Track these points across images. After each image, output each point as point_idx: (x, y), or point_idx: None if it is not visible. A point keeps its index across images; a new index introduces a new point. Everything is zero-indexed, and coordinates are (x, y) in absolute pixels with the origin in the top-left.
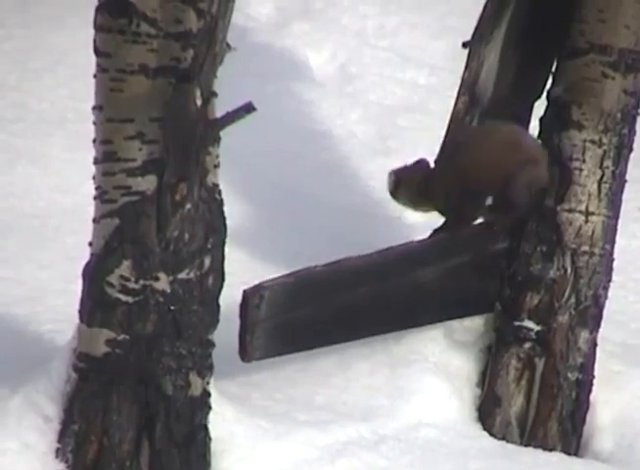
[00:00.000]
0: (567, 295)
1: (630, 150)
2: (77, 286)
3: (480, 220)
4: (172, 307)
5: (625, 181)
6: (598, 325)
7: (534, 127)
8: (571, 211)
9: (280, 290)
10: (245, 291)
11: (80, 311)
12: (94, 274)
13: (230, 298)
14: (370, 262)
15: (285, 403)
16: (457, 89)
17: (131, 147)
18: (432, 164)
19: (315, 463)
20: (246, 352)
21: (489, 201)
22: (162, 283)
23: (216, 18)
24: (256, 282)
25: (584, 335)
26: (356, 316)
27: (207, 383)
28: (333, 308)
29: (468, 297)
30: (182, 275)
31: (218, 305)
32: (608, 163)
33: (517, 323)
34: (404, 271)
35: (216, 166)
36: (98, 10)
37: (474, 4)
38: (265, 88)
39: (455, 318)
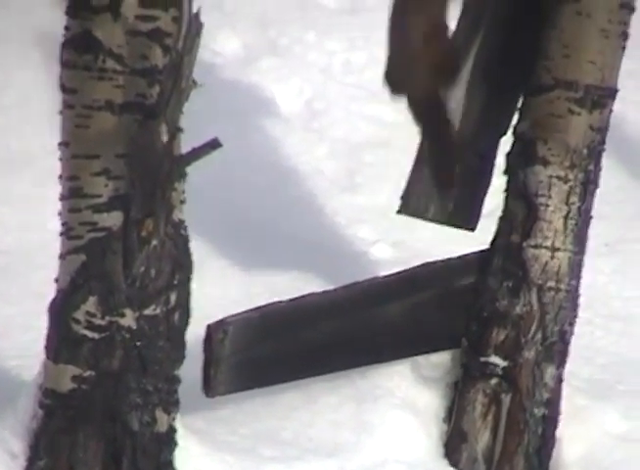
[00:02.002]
0: (533, 330)
1: (596, 186)
2: (44, 322)
3: None
4: (138, 343)
5: (591, 217)
6: (564, 361)
7: (500, 164)
8: (537, 246)
9: (244, 325)
10: (209, 326)
11: (47, 347)
12: (60, 310)
13: (195, 333)
14: (335, 298)
15: (251, 439)
16: None
17: (97, 183)
18: None
19: None
20: (210, 388)
21: None
22: (129, 319)
23: (182, 54)
24: (221, 317)
25: (550, 371)
26: (321, 351)
27: (173, 419)
28: (297, 344)
29: (434, 332)
30: (148, 311)
31: (184, 341)
32: (574, 199)
33: (483, 359)
34: (369, 307)
35: (182, 202)
36: (64, 46)
37: None
38: (231, 124)
39: (421, 354)
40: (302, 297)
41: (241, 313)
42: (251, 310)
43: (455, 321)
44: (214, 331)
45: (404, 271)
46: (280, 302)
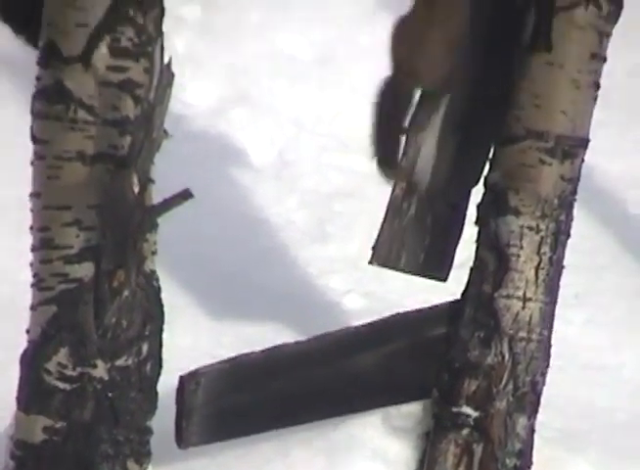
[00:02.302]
0: (504, 381)
1: (567, 236)
2: (15, 373)
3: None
4: (110, 394)
5: (562, 267)
6: (536, 411)
7: (472, 214)
8: (508, 297)
9: (216, 376)
10: (181, 377)
11: (18, 398)
12: (31, 361)
13: (167, 384)
14: (307, 348)
15: None
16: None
17: (68, 234)
18: None
19: None
20: (182, 439)
21: None
22: (100, 370)
23: (154, 104)
24: (193, 368)
25: (522, 421)
26: (293, 402)
27: None
28: (270, 394)
29: (405, 382)
30: (120, 362)
31: (156, 392)
32: (545, 249)
33: (455, 409)
34: (341, 357)
35: (153, 253)
36: (35, 96)
37: None
38: (202, 175)
39: (393, 404)
40: (274, 347)
41: (213, 364)
42: (224, 361)
43: (427, 371)
44: (187, 382)
45: (376, 322)
46: (252, 352)
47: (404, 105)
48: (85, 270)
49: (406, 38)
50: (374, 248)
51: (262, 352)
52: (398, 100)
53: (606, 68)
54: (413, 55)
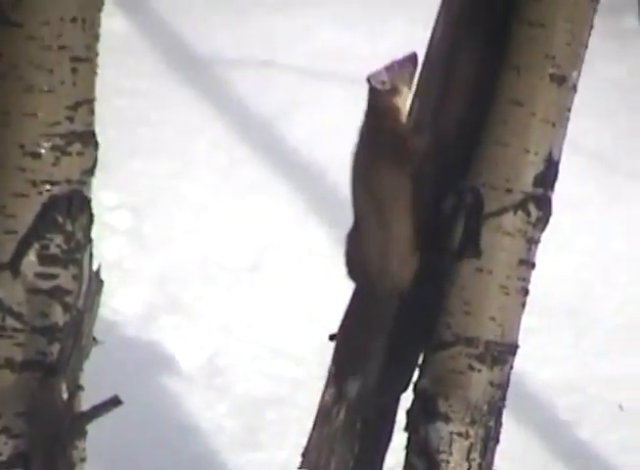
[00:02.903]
0: None
1: (497, 442)
2: None
3: None
4: None
5: None
6: None
7: (401, 420)
8: None
9: None
10: None
11: None
12: None
13: None
14: None
15: None
16: (324, 382)
17: None
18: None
19: None
20: None
21: None
22: None
23: (83, 311)
24: None
25: None
26: None
27: None
28: None
29: None
30: None
31: None
32: (474, 455)
33: None
34: None
35: (83, 460)
36: None
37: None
38: (132, 381)
39: None
40: None
41: None
42: None
43: None
44: None
45: None
46: None
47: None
48: None
49: (368, 244)
50: (304, 454)
51: None
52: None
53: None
54: (382, 257)
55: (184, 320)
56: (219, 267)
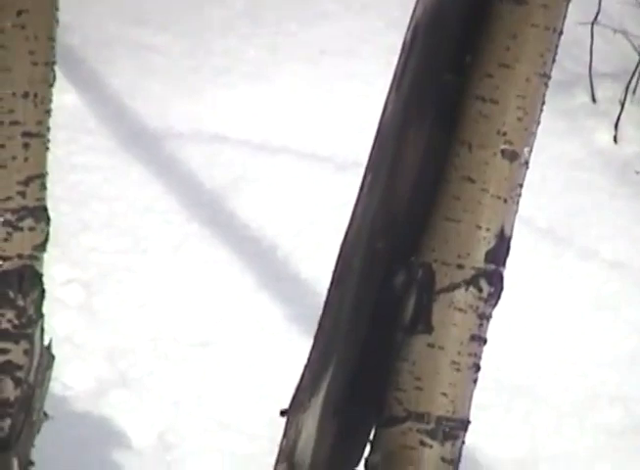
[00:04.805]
0: None
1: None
2: None
3: None
4: None
5: None
6: None
7: None
8: None
9: None
10: None
11: None
12: None
13: None
14: None
15: None
16: (275, 457)
17: None
18: None
19: None
20: None
21: None
22: None
23: (34, 386)
24: None
25: None
26: None
27: None
28: None
29: None
30: None
31: None
32: None
33: None
34: None
35: None
36: None
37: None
38: (83, 457)
39: None
40: None
41: None
42: None
43: None
44: None
45: None
46: None
47: None
48: None
49: None
50: None
51: None
52: None
53: None
54: None
55: (134, 396)
56: (170, 342)
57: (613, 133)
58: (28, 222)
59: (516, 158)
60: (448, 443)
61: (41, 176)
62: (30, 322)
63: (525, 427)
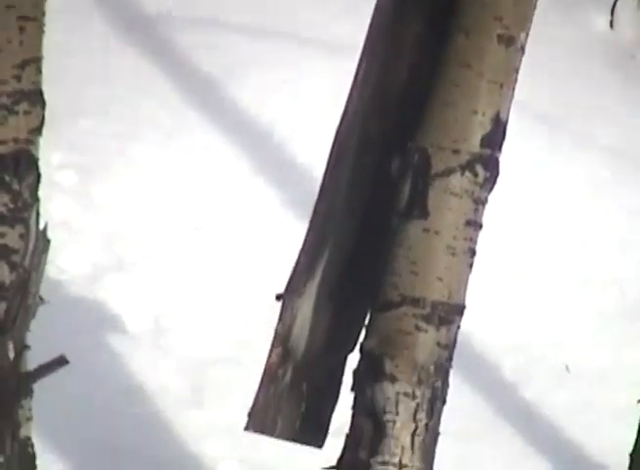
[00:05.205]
0: None
1: (443, 402)
2: None
3: None
4: None
5: (439, 434)
6: None
7: (348, 380)
8: (384, 463)
9: None
10: None
11: None
12: None
13: None
14: None
15: None
16: (271, 342)
17: None
18: None
19: None
20: None
21: None
22: None
23: (29, 271)
24: None
25: None
26: None
27: None
28: None
29: None
30: None
31: None
32: (421, 415)
33: None
34: None
35: (29, 419)
36: None
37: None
38: (78, 341)
39: None
40: None
41: None
42: None
43: None
44: None
45: None
46: None
47: None
48: None
49: None
50: (249, 414)
51: None
52: None
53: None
54: None
55: (130, 280)
56: (166, 227)
57: (609, 18)
58: (24, 106)
59: (512, 43)
60: (443, 328)
61: (37, 60)
62: (26, 206)
63: (519, 313)
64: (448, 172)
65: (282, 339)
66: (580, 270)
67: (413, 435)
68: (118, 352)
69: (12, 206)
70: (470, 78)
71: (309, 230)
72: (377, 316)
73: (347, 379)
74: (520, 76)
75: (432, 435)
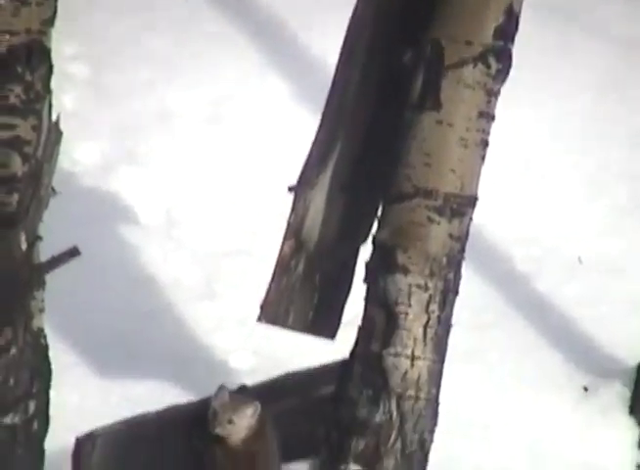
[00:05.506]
0: (392, 439)
1: (456, 294)
2: None
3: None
4: None
5: (451, 325)
6: (424, 469)
7: (361, 272)
8: (396, 355)
9: (113, 437)
10: (77, 438)
11: None
12: None
13: (54, 441)
14: (201, 408)
15: None
16: (283, 233)
17: None
18: None
19: None
20: None
21: None
22: None
23: (42, 162)
24: (80, 426)
25: None
26: (189, 463)
27: None
28: (166, 456)
29: (295, 441)
30: (7, 420)
31: (43, 450)
32: (434, 307)
33: (343, 467)
34: None
35: (41, 311)
36: None
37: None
38: (90, 232)
39: (282, 463)
40: (170, 408)
41: (109, 426)
42: (119, 423)
43: (316, 430)
44: (83, 444)
45: (265, 381)
46: (147, 413)
47: None
48: None
49: None
50: (262, 306)
51: (157, 413)
52: None
53: None
54: None
55: (142, 172)
56: (178, 119)
57: None
58: None
59: None
60: (456, 220)
61: None
62: (38, 98)
63: (532, 205)
64: (461, 64)
65: (294, 230)
66: (594, 162)
67: (425, 326)
68: (130, 243)
69: (24, 97)
70: None
71: (321, 123)
72: (389, 208)
73: (360, 271)
74: None
75: (444, 326)
